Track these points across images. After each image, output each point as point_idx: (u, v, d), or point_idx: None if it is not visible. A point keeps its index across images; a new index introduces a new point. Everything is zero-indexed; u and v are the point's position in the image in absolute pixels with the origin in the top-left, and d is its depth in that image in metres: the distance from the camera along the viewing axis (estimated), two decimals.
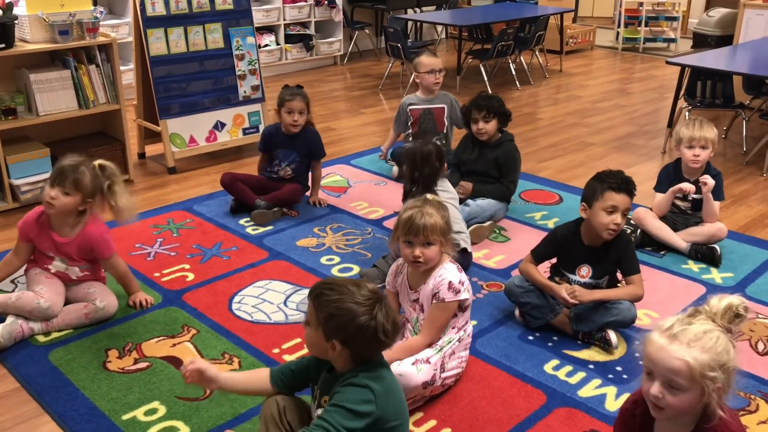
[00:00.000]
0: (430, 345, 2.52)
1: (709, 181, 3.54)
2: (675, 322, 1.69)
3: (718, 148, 5.36)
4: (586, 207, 2.83)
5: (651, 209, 3.74)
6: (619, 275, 2.93)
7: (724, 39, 8.22)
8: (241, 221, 4.01)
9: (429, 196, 2.64)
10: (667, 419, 1.73)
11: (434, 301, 2.50)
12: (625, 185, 2.78)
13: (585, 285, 2.90)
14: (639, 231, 3.72)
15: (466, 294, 2.52)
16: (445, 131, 4.58)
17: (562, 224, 3.05)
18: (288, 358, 2.78)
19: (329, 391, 1.92)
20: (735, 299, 1.69)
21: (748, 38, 6.51)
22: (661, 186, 3.73)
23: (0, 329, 2.80)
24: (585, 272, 2.91)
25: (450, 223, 2.57)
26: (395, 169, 4.69)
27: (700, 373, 1.61)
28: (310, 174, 4.24)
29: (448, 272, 2.51)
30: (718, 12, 8.73)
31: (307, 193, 4.26)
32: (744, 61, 5.44)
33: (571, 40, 8.96)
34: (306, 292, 3.23)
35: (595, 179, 2.85)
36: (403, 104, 4.65)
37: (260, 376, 2.11)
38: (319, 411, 1.95)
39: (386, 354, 2.47)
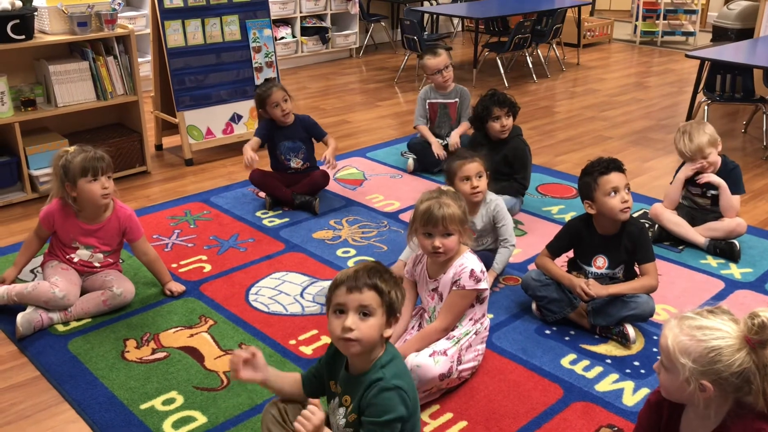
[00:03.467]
0: (446, 331, 2.52)
1: (713, 179, 3.52)
2: (695, 310, 1.72)
3: (738, 142, 5.32)
4: (590, 203, 2.84)
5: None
6: (636, 268, 2.92)
7: (745, 32, 8.13)
8: (258, 213, 4.02)
9: (444, 187, 2.63)
10: (666, 397, 1.78)
11: (454, 288, 2.50)
12: (612, 164, 2.82)
13: (601, 276, 2.89)
14: (657, 226, 3.70)
15: (485, 284, 2.52)
16: (456, 125, 4.68)
17: (575, 216, 3.04)
18: (304, 349, 2.79)
19: (352, 391, 1.91)
20: None
21: None
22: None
23: (20, 318, 2.83)
24: (601, 263, 2.90)
25: (467, 212, 2.56)
26: (410, 162, 4.68)
27: (674, 355, 1.66)
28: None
29: (470, 261, 2.52)
30: (739, 5, 8.63)
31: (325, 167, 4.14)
32: (765, 54, 5.37)
33: (588, 33, 8.90)
34: (322, 284, 3.26)
35: (583, 176, 2.88)
36: (420, 98, 4.71)
37: (297, 380, 2.08)
38: (341, 410, 1.95)
39: (405, 344, 2.50)
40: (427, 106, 4.68)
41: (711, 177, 3.53)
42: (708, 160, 3.51)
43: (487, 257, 3.21)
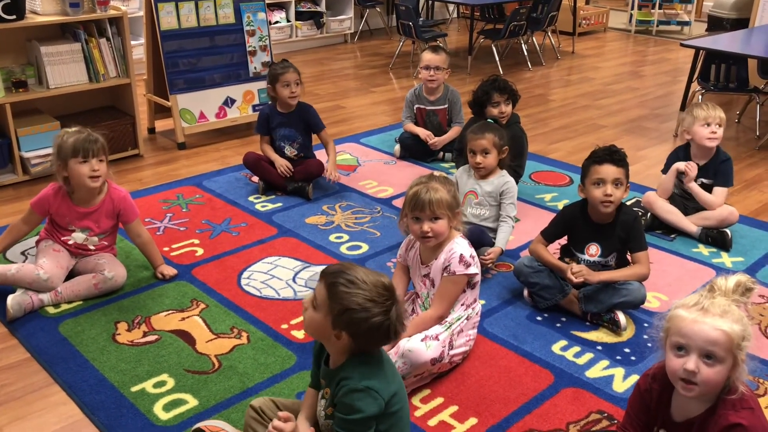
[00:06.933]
0: (440, 318, 2.52)
1: (690, 171, 3.57)
2: (700, 298, 1.72)
3: (731, 132, 5.33)
4: (582, 187, 2.86)
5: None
6: (628, 256, 2.92)
7: (740, 22, 8.13)
8: (251, 198, 4.01)
9: (436, 172, 2.63)
10: (697, 395, 1.72)
11: (445, 274, 2.50)
12: (608, 155, 2.80)
13: (594, 264, 2.89)
14: (649, 214, 3.71)
15: (475, 269, 2.53)
16: (447, 129, 4.61)
17: (571, 203, 3.05)
18: (296, 334, 2.79)
19: (330, 384, 1.91)
20: (741, 276, 1.76)
21: (764, 21, 6.43)
22: (668, 169, 3.71)
23: (10, 300, 2.82)
24: (594, 251, 2.90)
25: (457, 197, 2.56)
26: (397, 147, 4.70)
27: (737, 343, 1.65)
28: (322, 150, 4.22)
29: (459, 246, 2.52)
30: None
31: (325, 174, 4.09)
32: (760, 44, 5.37)
33: (583, 22, 8.88)
34: (315, 269, 3.26)
35: (585, 159, 2.88)
36: (408, 100, 4.64)
37: (313, 394, 2.06)
38: (323, 402, 1.96)
39: None
40: (414, 110, 4.62)
41: (690, 185, 3.60)
42: (718, 134, 3.54)
43: (482, 232, 3.23)
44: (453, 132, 4.53)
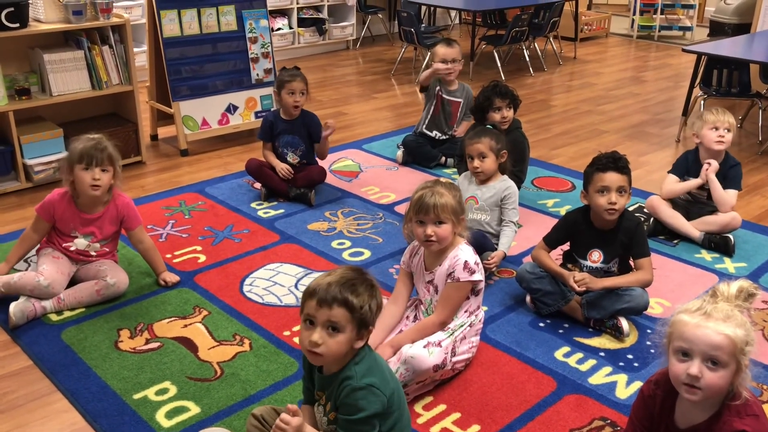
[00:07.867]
0: (443, 324, 2.52)
1: (712, 162, 3.55)
2: (702, 303, 1.72)
3: (734, 137, 5.32)
4: (585, 194, 2.86)
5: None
6: (631, 262, 2.92)
7: (742, 27, 8.12)
8: (253, 204, 4.01)
9: (442, 178, 2.63)
10: (701, 400, 1.72)
11: (449, 281, 2.50)
12: (612, 163, 2.79)
13: (596, 270, 2.89)
14: (652, 219, 3.71)
15: (479, 275, 2.53)
16: (455, 126, 4.64)
17: (573, 209, 3.04)
18: (298, 341, 2.78)
19: (327, 389, 1.91)
20: (744, 282, 1.76)
21: (766, 26, 6.42)
22: (676, 169, 3.71)
23: (12, 307, 2.82)
24: (596, 257, 2.90)
25: (462, 203, 2.56)
26: (399, 153, 4.70)
27: (740, 348, 1.65)
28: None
29: (464, 253, 2.52)
30: None
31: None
32: (761, 49, 5.37)
33: (585, 27, 8.89)
34: (316, 275, 3.24)
35: (588, 166, 2.88)
36: (436, 79, 4.66)
37: (309, 408, 2.06)
38: (320, 408, 1.96)
39: (401, 335, 2.50)
40: (436, 91, 4.60)
41: (710, 175, 3.56)
42: (726, 138, 3.55)
43: (484, 236, 3.23)
44: (463, 127, 4.58)
